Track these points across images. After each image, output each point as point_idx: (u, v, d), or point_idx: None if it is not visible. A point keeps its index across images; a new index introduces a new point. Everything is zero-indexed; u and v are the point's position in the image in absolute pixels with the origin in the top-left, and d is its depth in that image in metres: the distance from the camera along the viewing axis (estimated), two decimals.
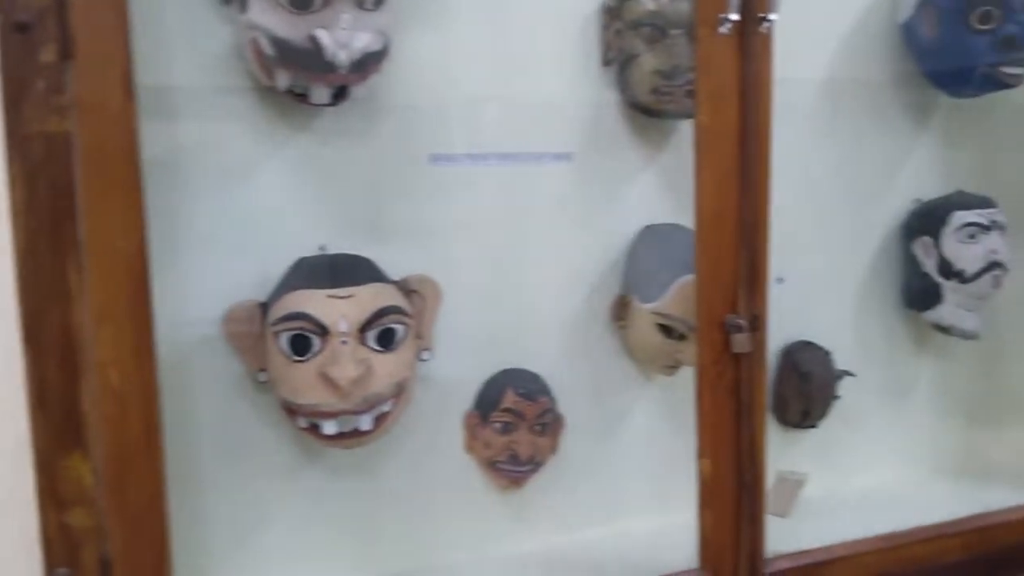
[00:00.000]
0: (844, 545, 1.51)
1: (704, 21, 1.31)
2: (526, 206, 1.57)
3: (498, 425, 1.51)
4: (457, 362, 1.52)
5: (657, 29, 1.52)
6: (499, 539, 1.59)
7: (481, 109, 1.53)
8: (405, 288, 1.40)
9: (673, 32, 1.51)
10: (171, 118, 1.33)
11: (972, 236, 1.75)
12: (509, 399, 1.51)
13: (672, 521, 1.56)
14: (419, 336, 1.42)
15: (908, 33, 1.78)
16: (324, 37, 1.23)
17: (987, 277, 1.74)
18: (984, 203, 1.77)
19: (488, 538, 1.58)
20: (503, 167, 1.55)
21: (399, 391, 1.33)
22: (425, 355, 1.44)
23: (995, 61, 1.67)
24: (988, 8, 1.65)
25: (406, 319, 1.34)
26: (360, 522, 1.49)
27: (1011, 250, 1.76)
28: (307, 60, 1.25)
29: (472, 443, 1.55)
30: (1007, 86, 1.70)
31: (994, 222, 1.75)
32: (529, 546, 1.59)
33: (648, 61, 1.53)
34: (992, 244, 1.74)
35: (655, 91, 1.54)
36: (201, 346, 1.36)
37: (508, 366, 1.56)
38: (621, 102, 1.61)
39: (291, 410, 1.31)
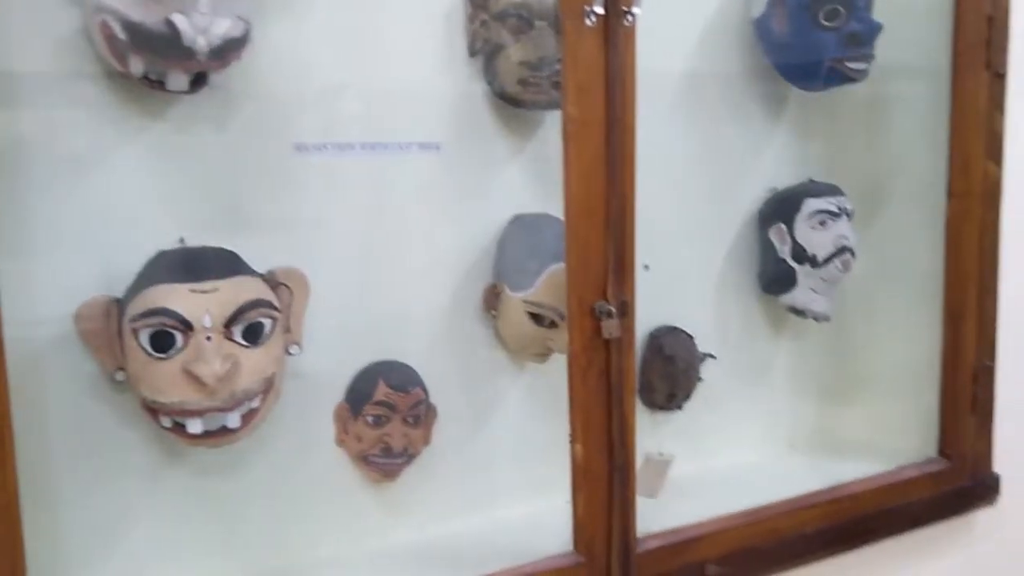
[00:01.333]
0: (711, 522, 1.56)
1: (569, 13, 1.32)
2: (393, 196, 1.55)
3: (370, 418, 1.49)
4: (327, 355, 1.49)
5: (523, 20, 1.53)
6: (372, 533, 1.57)
7: (345, 98, 1.50)
8: (272, 281, 1.36)
9: (539, 23, 1.52)
10: (12, 105, 1.25)
11: (823, 223, 1.83)
12: (381, 391, 1.49)
13: (546, 506, 1.58)
14: (287, 330, 1.38)
15: (761, 28, 1.85)
16: (182, 22, 1.18)
17: (837, 261, 1.83)
18: (833, 191, 1.86)
19: (361, 532, 1.56)
20: (369, 157, 1.53)
21: (267, 387, 1.30)
22: (294, 349, 1.40)
23: (840, 56, 1.75)
24: (834, 6, 1.73)
25: (273, 313, 1.30)
26: (228, 521, 1.45)
27: (858, 235, 1.86)
28: (163, 45, 1.19)
29: (343, 437, 1.52)
30: (851, 80, 1.80)
31: (843, 209, 1.84)
32: (403, 538, 1.57)
33: (514, 52, 1.53)
34: (841, 230, 1.83)
35: (522, 82, 1.55)
36: (53, 346, 1.29)
37: (379, 358, 1.54)
38: (488, 92, 1.61)
39: (153, 410, 1.25)
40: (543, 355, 1.61)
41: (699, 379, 1.84)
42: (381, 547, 1.55)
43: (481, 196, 1.64)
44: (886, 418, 1.99)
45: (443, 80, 1.58)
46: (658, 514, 1.56)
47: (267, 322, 1.29)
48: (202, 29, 1.19)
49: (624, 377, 1.42)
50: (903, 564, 1.84)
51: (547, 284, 1.54)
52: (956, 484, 1.85)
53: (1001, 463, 1.91)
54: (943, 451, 1.86)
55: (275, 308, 1.31)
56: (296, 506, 1.50)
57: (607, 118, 1.38)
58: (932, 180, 1.85)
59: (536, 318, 1.56)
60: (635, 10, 1.34)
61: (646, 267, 1.63)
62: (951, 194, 1.83)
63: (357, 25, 1.50)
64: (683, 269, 1.85)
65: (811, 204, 1.84)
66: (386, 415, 1.49)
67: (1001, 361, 1.88)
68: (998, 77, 1.81)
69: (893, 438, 1.93)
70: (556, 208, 1.43)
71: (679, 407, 1.83)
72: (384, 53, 1.52)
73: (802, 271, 1.85)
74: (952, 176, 1.82)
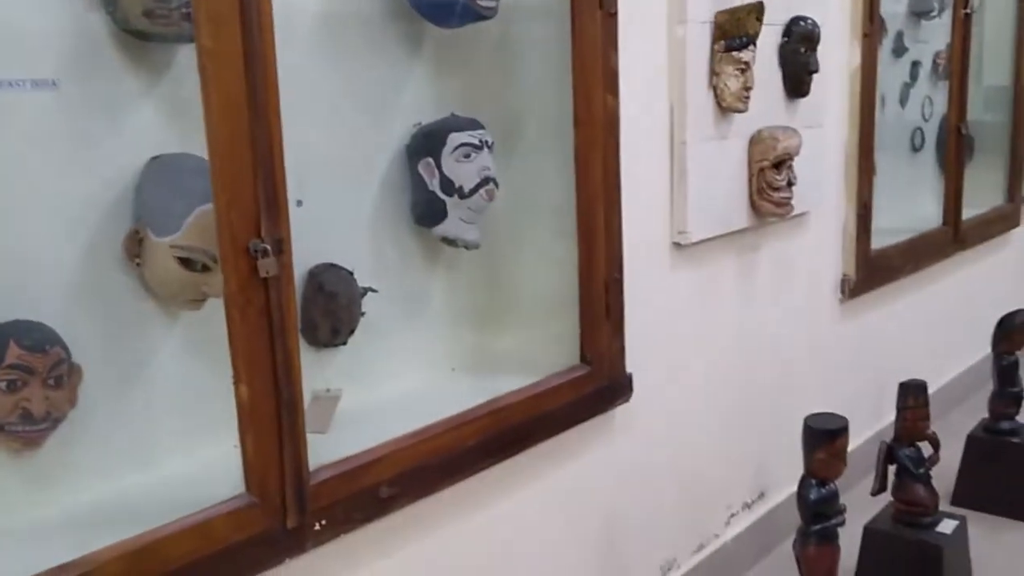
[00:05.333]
0: (381, 447, 1.61)
1: None
2: (6, 140, 1.40)
3: (3, 383, 1.36)
4: None
5: None
6: (17, 507, 1.43)
7: None
8: None
9: None
10: None
11: (467, 155, 1.92)
12: (13, 354, 1.36)
13: (217, 453, 1.54)
14: None
15: None
16: None
17: (482, 191, 1.94)
18: (474, 125, 1.96)
19: (3, 509, 1.42)
20: None
21: None
22: None
23: None
24: None
25: None
26: None
27: (499, 167, 1.98)
28: None
29: None
30: (484, 17, 1.89)
31: (484, 141, 1.94)
32: (55, 508, 1.46)
33: None
34: (484, 162, 1.94)
35: (148, 13, 1.46)
36: None
37: (7, 319, 1.40)
38: (111, 25, 1.49)
39: None
40: (197, 301, 1.55)
41: (361, 314, 1.87)
42: (30, 522, 1.42)
43: (112, 138, 1.52)
44: (536, 334, 2.16)
45: (53, 11, 1.44)
46: (331, 447, 1.58)
47: None
48: None
49: (285, 315, 1.41)
50: (556, 463, 2.02)
51: (195, 226, 1.48)
52: (597, 386, 2.05)
53: (632, 363, 2.15)
54: (584, 358, 2.05)
55: None
56: None
57: (245, 51, 1.34)
58: (561, 112, 2.01)
59: (186, 263, 1.50)
60: None
61: (299, 203, 1.63)
62: (576, 124, 1.99)
63: None
64: (337, 206, 1.86)
65: (455, 138, 1.92)
66: (22, 379, 1.36)
67: (627, 273, 2.10)
68: (610, 16, 1.99)
69: (543, 352, 2.09)
70: (199, 147, 1.38)
71: (344, 343, 1.85)
72: None
73: (451, 202, 1.93)
74: (576, 108, 1.99)
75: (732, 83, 2.25)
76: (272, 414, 1.41)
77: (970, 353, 3.91)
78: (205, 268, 1.50)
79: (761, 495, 2.74)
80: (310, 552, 1.50)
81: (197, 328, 1.63)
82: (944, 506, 2.79)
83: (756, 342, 2.64)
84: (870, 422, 3.20)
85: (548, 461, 1.99)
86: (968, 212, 3.75)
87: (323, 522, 1.50)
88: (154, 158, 1.55)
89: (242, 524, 1.38)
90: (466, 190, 1.92)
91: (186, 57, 1.52)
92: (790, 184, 2.47)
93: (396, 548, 1.69)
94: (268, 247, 1.37)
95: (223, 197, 1.35)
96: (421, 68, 2.02)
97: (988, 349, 3.00)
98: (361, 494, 1.56)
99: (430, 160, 1.92)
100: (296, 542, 1.47)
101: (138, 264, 1.53)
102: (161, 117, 1.58)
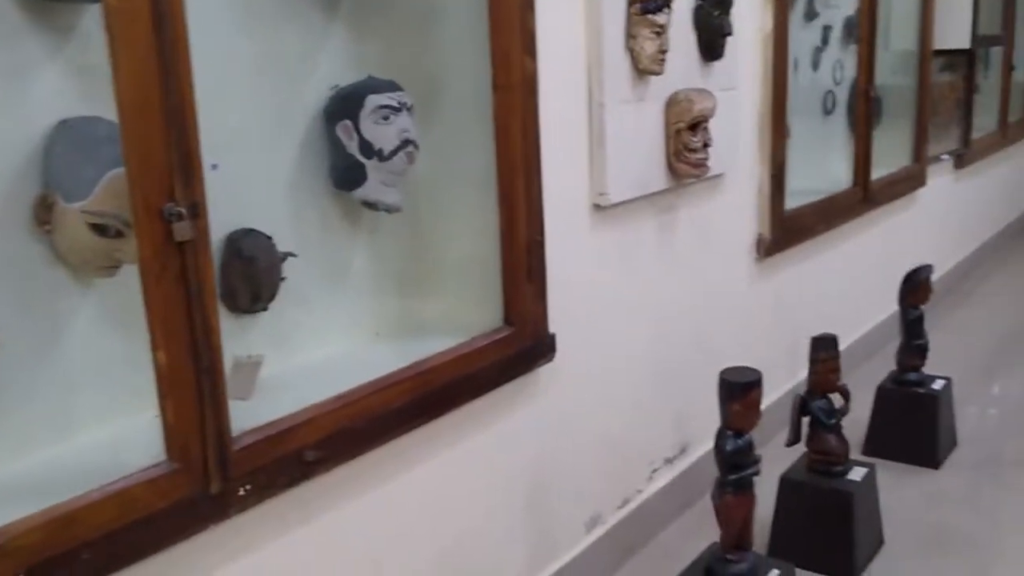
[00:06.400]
0: (305, 411, 1.61)
1: None
2: None
3: None
4: None
5: None
6: None
7: None
8: None
9: None
10: None
11: (386, 118, 1.91)
12: None
13: (137, 422, 1.53)
14: None
15: None
16: None
17: (402, 154, 1.93)
18: (393, 87, 1.95)
19: None
20: None
21: None
22: None
23: None
24: None
25: None
26: None
27: (419, 130, 1.97)
28: None
29: None
30: None
31: (403, 104, 1.93)
32: None
33: None
34: (403, 124, 1.93)
35: None
36: None
37: None
38: None
39: None
40: (111, 268, 1.52)
41: (282, 279, 1.85)
42: None
43: (16, 103, 1.47)
44: (460, 297, 2.16)
45: None
46: (255, 413, 1.58)
47: None
48: None
49: (202, 280, 1.40)
50: (482, 423, 2.05)
51: (107, 191, 1.45)
52: (520, 347, 2.08)
53: (555, 324, 2.18)
54: (508, 319, 2.07)
55: None
56: None
57: (153, 10, 1.31)
58: (480, 75, 2.01)
59: (98, 228, 1.47)
60: None
61: (214, 167, 1.60)
62: (495, 87, 1.99)
63: None
64: (254, 170, 1.83)
65: (373, 100, 1.90)
66: None
67: (548, 235, 2.12)
68: None
69: (467, 314, 2.11)
70: (109, 110, 1.35)
71: (264, 308, 1.83)
72: None
73: (371, 165, 1.92)
74: (495, 70, 1.99)
75: (648, 46, 2.28)
76: (192, 380, 1.40)
77: (881, 308, 4.05)
78: (118, 234, 1.47)
79: (682, 450, 2.82)
80: (235, 518, 1.49)
81: (112, 294, 1.59)
82: (857, 455, 2.92)
83: (676, 301, 2.70)
84: (787, 377, 3.31)
85: (473, 422, 2.02)
86: (877, 172, 3.88)
87: (247, 487, 1.50)
88: (62, 122, 1.50)
89: (164, 491, 1.37)
90: (386, 152, 1.91)
91: (93, 18, 1.48)
92: (706, 146, 2.51)
93: (323, 511, 1.69)
94: (183, 211, 1.35)
95: (135, 160, 1.32)
96: (338, 29, 1.99)
97: (897, 304, 3.11)
98: (285, 458, 1.56)
99: (348, 123, 1.90)
100: (220, 508, 1.46)
101: (48, 231, 1.49)
102: (68, 81, 1.53)
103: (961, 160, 5.04)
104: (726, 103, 2.65)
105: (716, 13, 2.56)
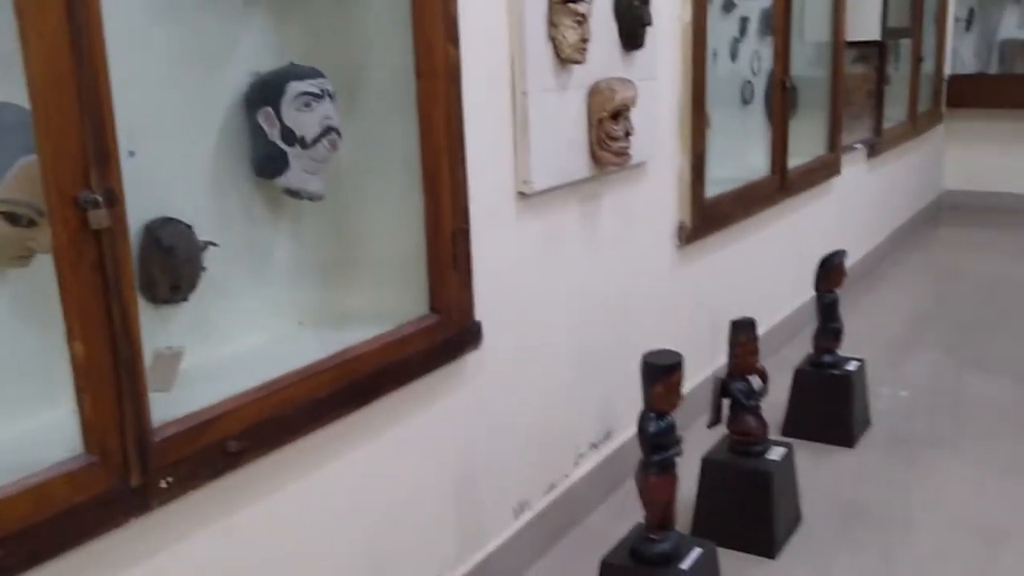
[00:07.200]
0: (227, 401, 1.59)
1: None
2: None
3: None
4: None
5: None
6: None
7: None
8: None
9: None
10: None
11: (308, 104, 1.89)
12: None
13: (54, 415, 1.49)
14: None
15: None
16: None
17: (325, 141, 1.91)
18: (315, 73, 1.93)
19: None
20: None
21: None
22: None
23: None
24: None
25: None
26: None
27: (342, 118, 1.96)
28: None
29: None
30: None
31: (325, 90, 1.92)
32: None
33: None
34: (325, 111, 1.91)
35: None
36: None
37: None
38: None
39: None
40: (24, 257, 1.48)
41: (203, 269, 1.82)
42: None
43: None
44: (385, 286, 2.16)
45: None
46: (177, 404, 1.55)
47: None
48: None
49: (120, 269, 1.37)
50: (408, 412, 2.05)
51: (18, 179, 1.41)
52: (446, 335, 2.09)
53: (481, 311, 2.19)
54: (433, 307, 2.07)
55: None
56: None
57: None
58: (403, 62, 2.01)
59: (10, 217, 1.43)
60: None
61: (132, 154, 1.57)
62: (418, 74, 1.99)
63: None
64: (174, 157, 1.80)
65: (295, 87, 1.88)
66: None
67: (473, 223, 2.13)
68: None
69: (392, 303, 2.10)
70: (18, 95, 1.31)
71: (185, 299, 1.80)
72: None
73: (293, 153, 1.90)
74: (418, 58, 1.99)
75: (570, 35, 2.30)
76: (110, 371, 1.37)
77: (798, 293, 4.16)
78: (31, 223, 1.44)
79: (607, 435, 2.86)
80: (157, 511, 1.47)
81: (24, 285, 1.55)
82: (776, 435, 3.00)
83: (600, 288, 2.74)
84: (708, 362, 3.38)
85: (400, 410, 2.02)
86: (794, 161, 3.98)
87: (169, 479, 1.48)
88: None
89: (83, 485, 1.35)
90: (308, 140, 1.89)
91: (3, 4, 1.43)
92: (628, 134, 2.55)
93: (247, 502, 1.68)
94: (99, 199, 1.33)
95: (48, 147, 1.29)
96: (258, 16, 1.96)
97: (813, 289, 3.20)
98: (208, 450, 1.54)
99: (269, 110, 1.88)
100: (141, 501, 1.44)
101: None
102: None
103: (874, 149, 5.21)
104: (647, 93, 2.69)
105: (636, 3, 2.60)
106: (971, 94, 6.92)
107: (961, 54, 7.17)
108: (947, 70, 6.91)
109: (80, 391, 1.35)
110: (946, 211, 7.07)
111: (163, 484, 1.47)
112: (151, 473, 1.44)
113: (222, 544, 1.64)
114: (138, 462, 1.41)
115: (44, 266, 1.37)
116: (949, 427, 3.34)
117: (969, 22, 7.21)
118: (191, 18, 1.82)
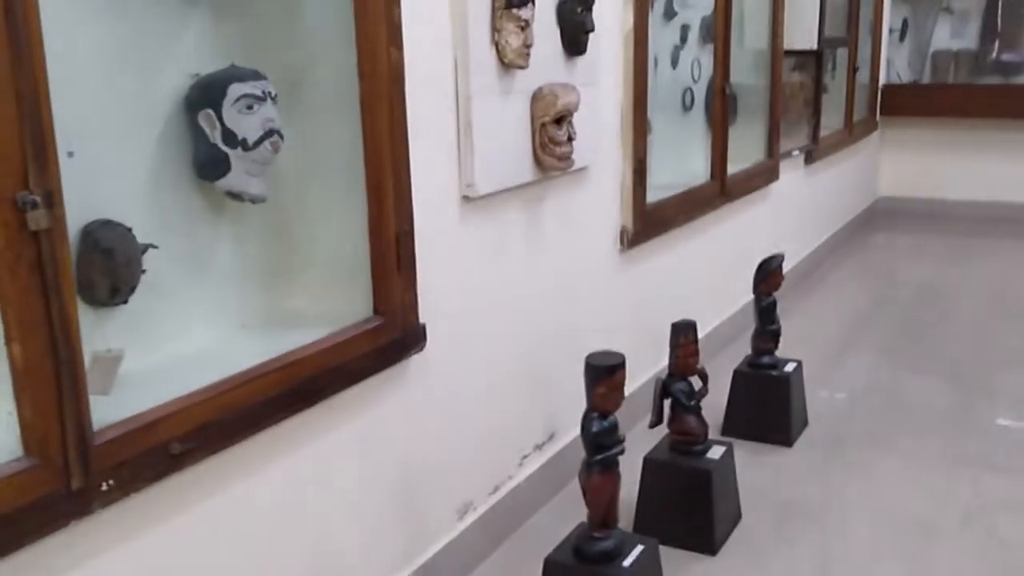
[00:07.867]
0: (170, 403, 1.59)
1: None
2: None
3: None
4: None
5: None
6: None
7: None
8: None
9: None
10: None
11: (250, 107, 1.89)
12: None
13: None
14: None
15: None
16: None
17: (267, 143, 1.91)
18: (256, 75, 1.92)
19: None
20: None
21: None
22: None
23: None
24: None
25: None
26: None
27: (285, 120, 1.96)
28: None
29: None
30: None
31: (267, 92, 1.92)
32: None
33: None
34: (267, 113, 1.91)
35: None
36: None
37: None
38: None
39: None
40: None
41: (142, 271, 1.81)
42: None
43: None
44: (328, 288, 2.16)
45: None
46: (119, 407, 1.54)
47: None
48: None
49: (60, 270, 1.37)
50: (352, 414, 2.05)
51: None
52: (390, 337, 2.09)
53: (425, 314, 2.20)
54: (377, 309, 2.08)
55: None
56: None
57: None
58: (346, 64, 2.01)
59: None
60: None
61: (71, 154, 1.56)
62: (361, 77, 2.00)
63: None
64: (113, 158, 1.78)
65: (236, 89, 1.88)
66: None
67: (417, 226, 2.14)
68: None
69: (336, 306, 2.10)
70: None
71: (124, 301, 1.78)
72: None
73: (234, 155, 1.89)
74: (360, 60, 2.00)
75: (513, 40, 2.33)
76: (50, 373, 1.36)
77: (738, 296, 4.24)
78: None
79: (551, 436, 2.89)
80: (98, 513, 1.46)
81: None
82: (716, 435, 3.06)
83: (543, 291, 2.77)
84: (651, 364, 3.43)
85: (343, 413, 2.02)
86: (733, 167, 4.06)
87: (110, 482, 1.47)
88: None
89: (22, 488, 1.33)
90: (250, 142, 1.89)
91: None
92: (570, 139, 2.59)
93: (190, 505, 1.67)
94: (38, 199, 1.32)
95: None
96: (199, 17, 1.95)
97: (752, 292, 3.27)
98: (150, 452, 1.53)
99: (210, 112, 1.87)
100: (82, 504, 1.43)
101: None
102: None
103: (811, 156, 5.33)
104: (589, 98, 2.73)
105: (579, 10, 2.63)
106: (905, 103, 7.12)
107: (895, 64, 7.38)
108: (882, 79, 7.11)
109: (19, 393, 1.34)
110: (881, 216, 7.26)
111: (104, 487, 1.46)
112: (92, 475, 1.43)
113: (165, 546, 1.63)
114: (79, 464, 1.40)
115: None
116: (884, 427, 3.43)
117: (903, 33, 7.42)
118: (131, 18, 1.81)
